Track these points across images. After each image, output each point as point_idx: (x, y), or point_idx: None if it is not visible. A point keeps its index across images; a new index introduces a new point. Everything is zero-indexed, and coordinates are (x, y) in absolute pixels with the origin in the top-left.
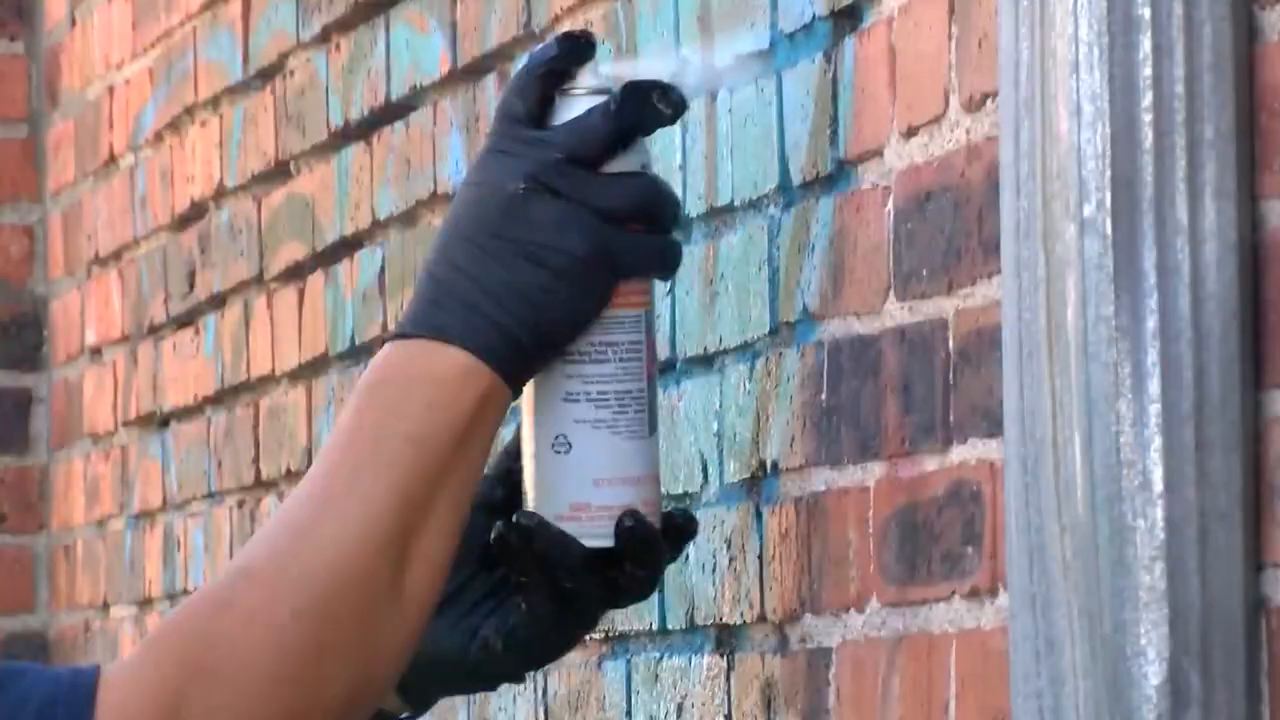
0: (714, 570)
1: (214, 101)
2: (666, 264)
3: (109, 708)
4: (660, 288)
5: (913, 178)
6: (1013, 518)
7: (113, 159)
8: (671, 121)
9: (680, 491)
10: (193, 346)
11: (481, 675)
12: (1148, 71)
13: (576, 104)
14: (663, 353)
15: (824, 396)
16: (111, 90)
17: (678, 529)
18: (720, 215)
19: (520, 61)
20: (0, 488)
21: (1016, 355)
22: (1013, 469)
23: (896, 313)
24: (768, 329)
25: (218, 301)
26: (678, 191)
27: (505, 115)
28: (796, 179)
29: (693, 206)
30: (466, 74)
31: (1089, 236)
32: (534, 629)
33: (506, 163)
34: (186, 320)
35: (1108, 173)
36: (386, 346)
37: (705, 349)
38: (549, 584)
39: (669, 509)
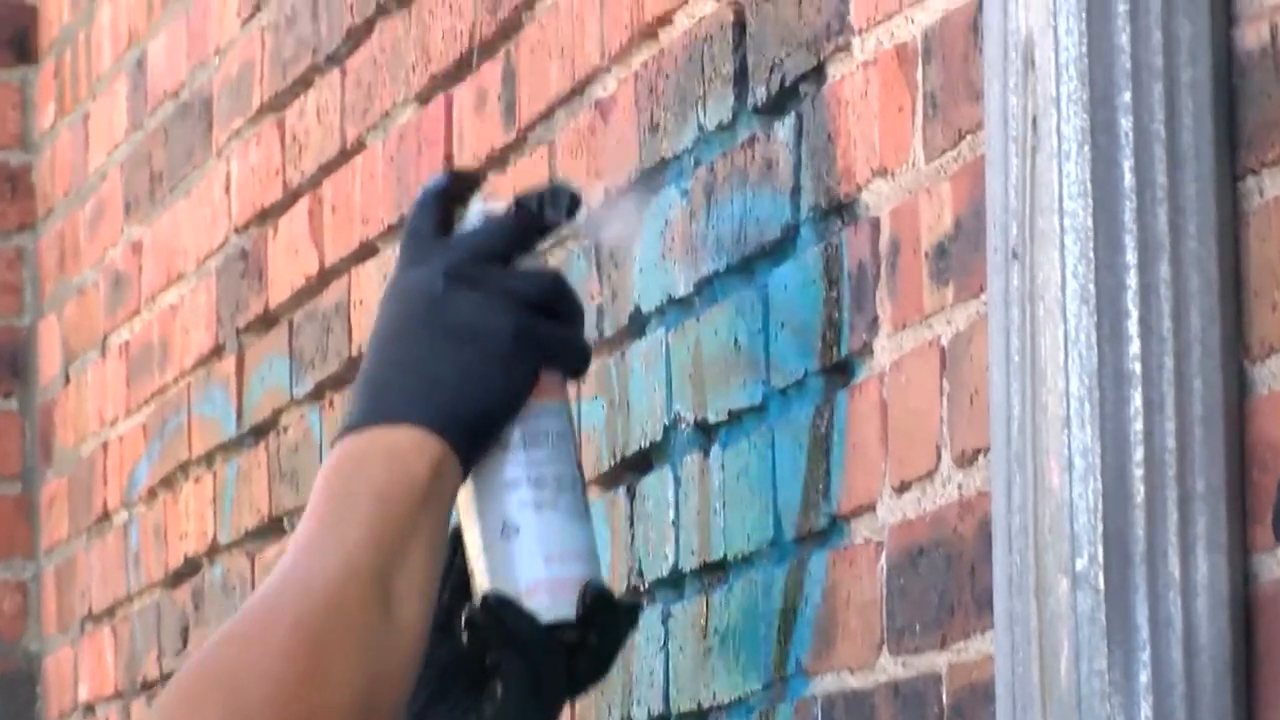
0: None
1: (208, 458)
2: (580, 357)
3: None
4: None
5: (905, 533)
6: None
7: (106, 515)
8: (568, 219)
9: None
10: None
11: None
12: (1139, 426)
13: (474, 220)
14: (657, 707)
15: None
16: (105, 446)
17: (629, 609)
18: (713, 570)
19: None
20: None
21: (1010, 710)
22: None
23: (890, 667)
24: (762, 684)
25: None
26: (669, 545)
27: (414, 234)
28: (790, 534)
29: (686, 561)
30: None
31: (1081, 590)
32: (515, 705)
33: (424, 269)
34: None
35: (1100, 527)
36: (337, 444)
37: (699, 704)
38: (522, 663)
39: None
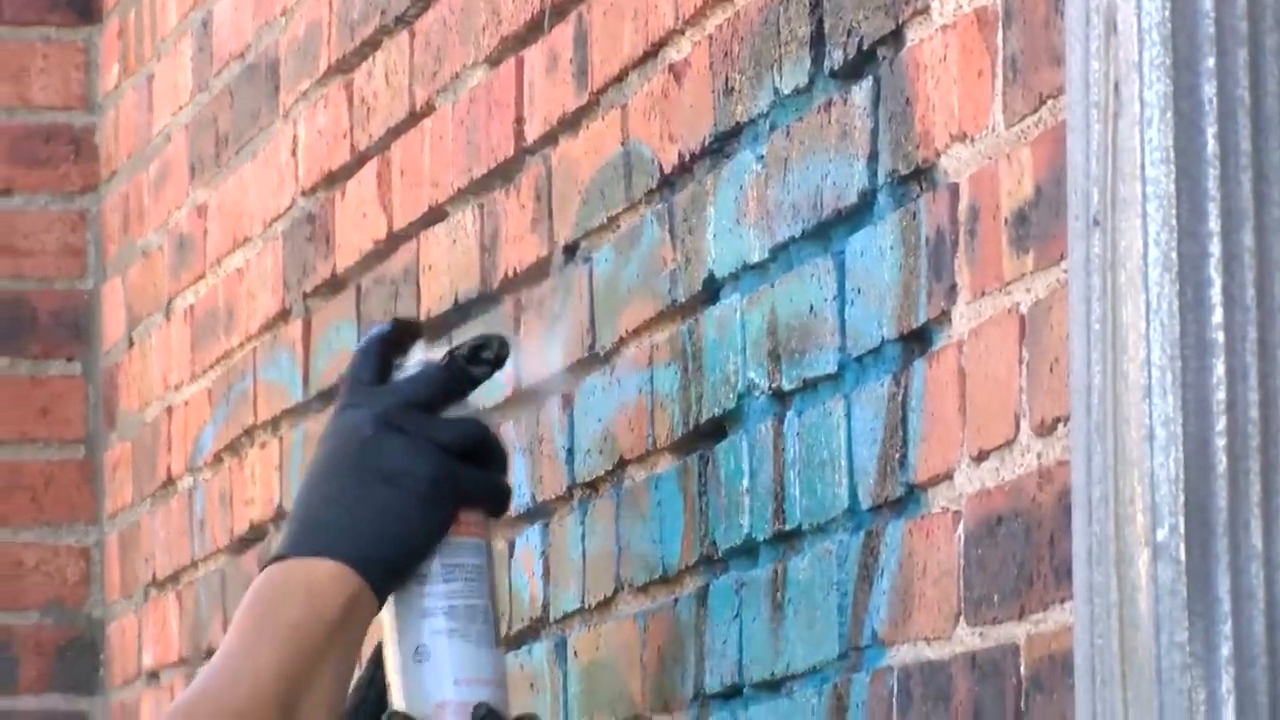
0: None
1: (273, 423)
2: (499, 498)
3: None
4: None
5: (983, 502)
6: None
7: (170, 481)
8: (491, 375)
9: None
10: None
11: None
12: (1221, 396)
13: (411, 370)
14: (730, 677)
15: None
16: (169, 411)
17: None
18: (787, 539)
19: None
20: None
21: (1089, 682)
22: None
23: (967, 638)
24: (836, 654)
25: None
26: (743, 513)
27: (353, 379)
28: (865, 503)
29: (759, 530)
30: (531, 396)
31: (1162, 561)
32: None
33: (357, 413)
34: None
35: (1181, 497)
36: (263, 571)
37: (773, 674)
38: None
39: (518, 715)
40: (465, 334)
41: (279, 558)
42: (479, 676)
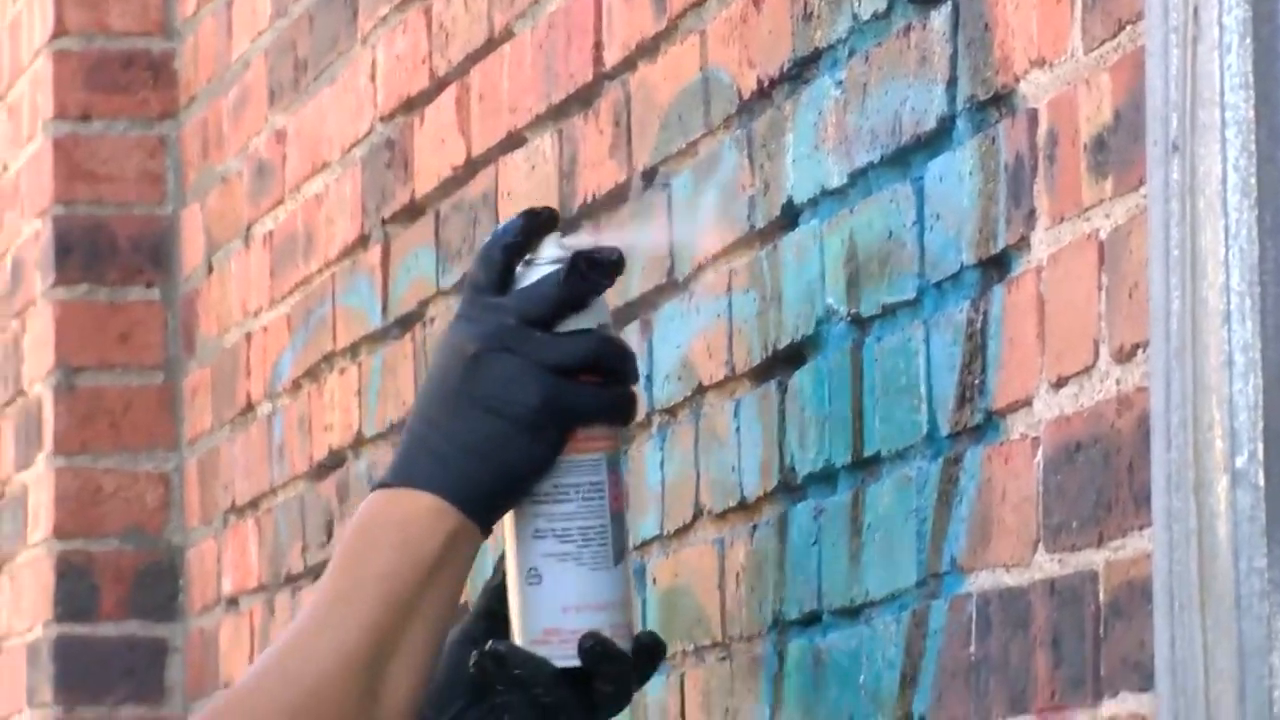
0: None
1: (353, 349)
2: (620, 412)
3: None
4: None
5: (1062, 429)
6: None
7: (250, 407)
8: (611, 284)
9: None
10: None
11: None
12: None
13: (537, 273)
14: (809, 604)
15: (972, 649)
16: (249, 337)
17: (646, 649)
18: (867, 466)
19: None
20: None
21: (1168, 608)
22: None
23: (1046, 565)
24: (915, 580)
25: None
26: (821, 440)
27: (470, 285)
28: (944, 429)
29: (838, 457)
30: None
31: (1241, 488)
32: None
33: (468, 327)
34: (324, 571)
35: (1260, 424)
36: (368, 497)
37: (851, 601)
38: (528, 702)
39: (639, 632)
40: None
41: (383, 484)
42: (591, 602)
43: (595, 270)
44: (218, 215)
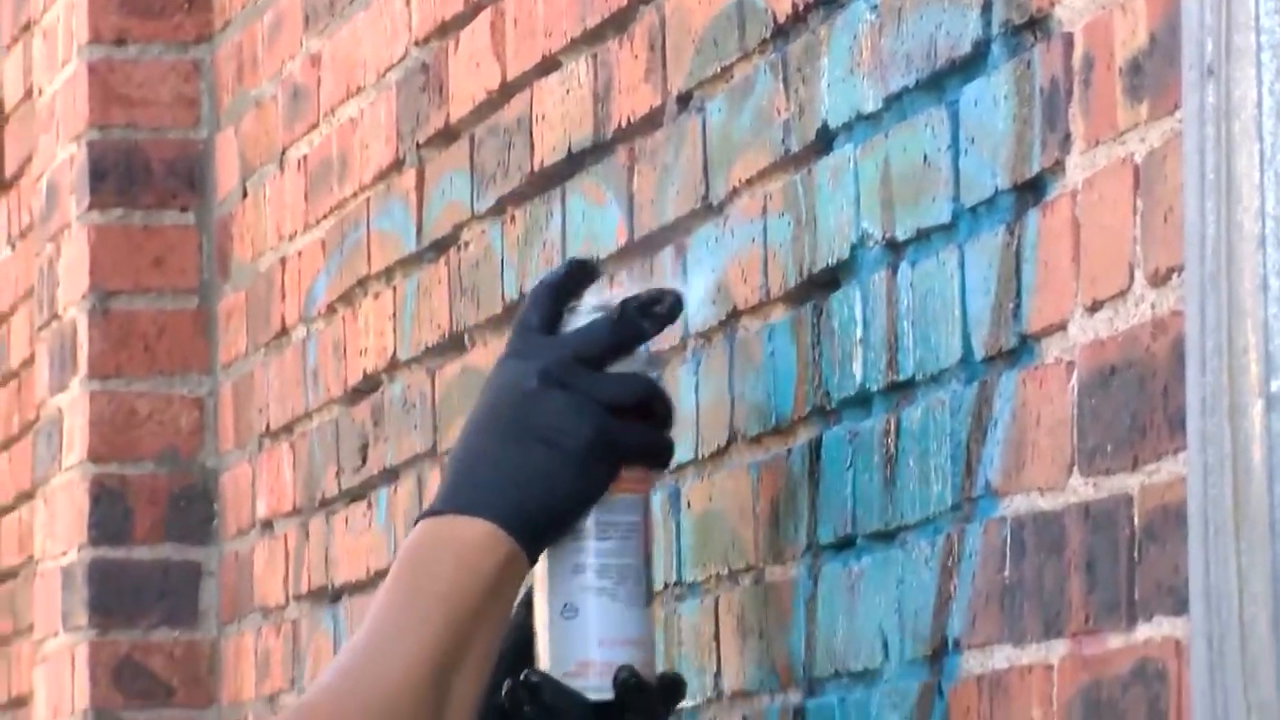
0: None
1: (387, 273)
2: (661, 455)
3: None
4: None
5: (1097, 352)
6: (1199, 697)
7: (284, 331)
8: (662, 330)
9: (860, 669)
10: (365, 520)
11: None
12: None
13: (582, 318)
14: (844, 528)
15: (1006, 573)
16: (284, 261)
17: (668, 688)
18: (901, 390)
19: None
20: (169, 662)
21: (1202, 533)
22: (1198, 647)
23: (1080, 489)
24: (950, 504)
25: (390, 475)
26: (856, 364)
27: (522, 325)
28: (979, 353)
29: (872, 381)
30: (644, 246)
31: (1275, 412)
32: None
33: (522, 364)
34: (359, 494)
35: None
36: (419, 525)
37: (886, 524)
38: None
39: (662, 671)
40: (637, 286)
41: (434, 512)
42: (625, 637)
43: (646, 318)
44: (252, 139)
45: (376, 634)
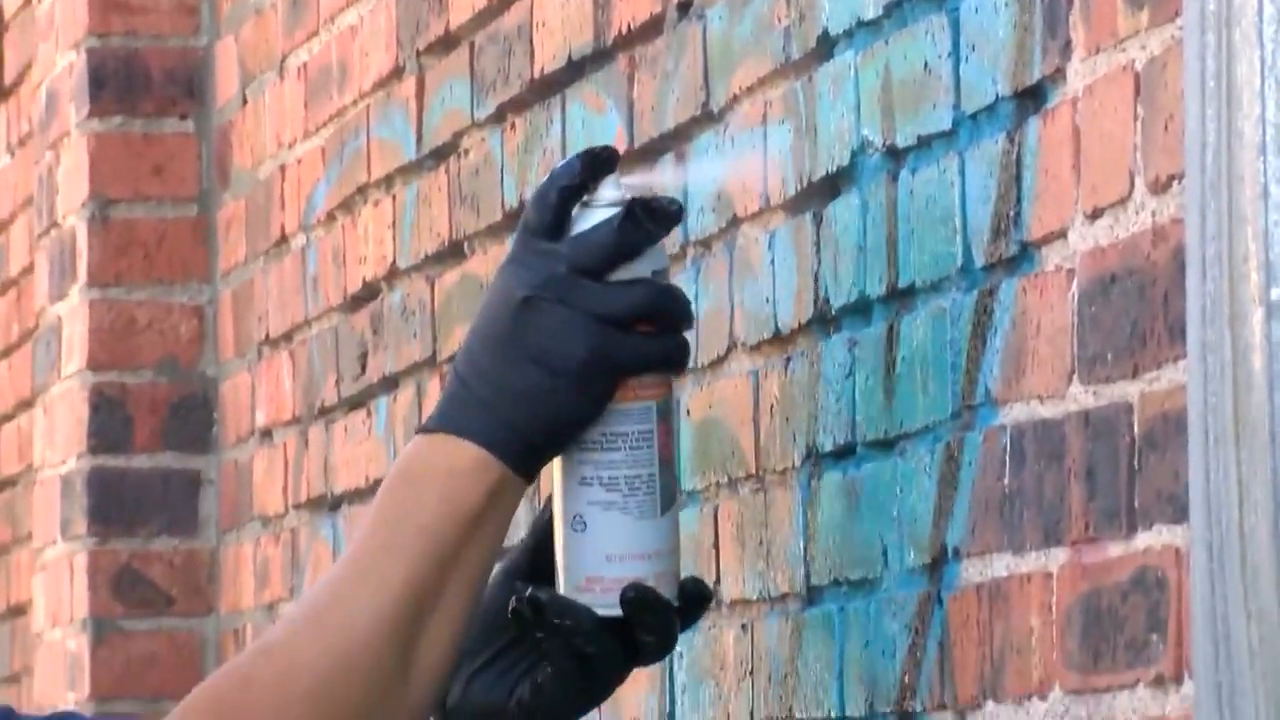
0: (894, 656)
1: (387, 181)
2: (672, 362)
3: None
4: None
5: (1097, 260)
6: (1198, 605)
7: (284, 239)
8: (668, 233)
9: (859, 576)
10: (364, 428)
11: None
12: None
13: (593, 216)
14: (843, 436)
15: (1006, 481)
16: (283, 169)
17: (691, 598)
18: (901, 297)
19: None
20: (169, 571)
21: (1202, 440)
22: (1198, 555)
23: (1080, 396)
24: (949, 412)
25: (390, 383)
26: (856, 272)
27: (524, 227)
28: (979, 261)
29: (872, 288)
30: (643, 154)
31: (1276, 320)
32: (559, 686)
33: (519, 272)
34: (358, 402)
35: None
36: (413, 440)
37: (885, 433)
38: (566, 647)
39: (684, 579)
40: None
41: (428, 429)
42: (635, 551)
43: (652, 218)
44: (252, 47)
45: (348, 570)
